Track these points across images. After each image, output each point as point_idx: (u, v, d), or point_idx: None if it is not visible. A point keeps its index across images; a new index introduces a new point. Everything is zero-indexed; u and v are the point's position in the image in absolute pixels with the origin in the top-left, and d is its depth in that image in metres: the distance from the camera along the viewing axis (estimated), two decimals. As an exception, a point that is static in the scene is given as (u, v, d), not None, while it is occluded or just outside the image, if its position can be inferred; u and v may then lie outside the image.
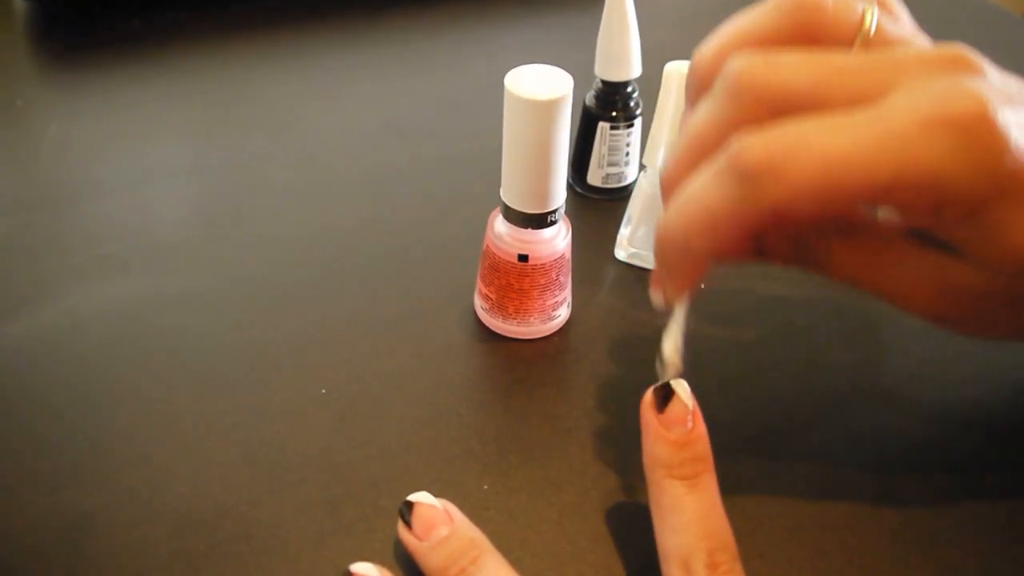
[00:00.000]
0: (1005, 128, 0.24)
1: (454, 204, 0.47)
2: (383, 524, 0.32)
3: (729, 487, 0.33)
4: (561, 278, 0.38)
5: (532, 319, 0.38)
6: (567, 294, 0.39)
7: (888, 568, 0.31)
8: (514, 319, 0.38)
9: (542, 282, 0.37)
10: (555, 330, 0.39)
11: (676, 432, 0.29)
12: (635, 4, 0.42)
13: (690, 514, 0.28)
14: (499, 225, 0.37)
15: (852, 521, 0.33)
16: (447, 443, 0.35)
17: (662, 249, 0.29)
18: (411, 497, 0.31)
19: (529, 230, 0.36)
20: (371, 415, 0.36)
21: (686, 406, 0.29)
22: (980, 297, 0.28)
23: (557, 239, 0.37)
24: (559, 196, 0.36)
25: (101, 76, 0.57)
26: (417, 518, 0.30)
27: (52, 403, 0.36)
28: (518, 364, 0.38)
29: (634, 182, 0.47)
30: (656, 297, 0.31)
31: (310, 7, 0.65)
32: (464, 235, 0.44)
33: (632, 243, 0.44)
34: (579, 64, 0.49)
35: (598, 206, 0.47)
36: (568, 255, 0.38)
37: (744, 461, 0.35)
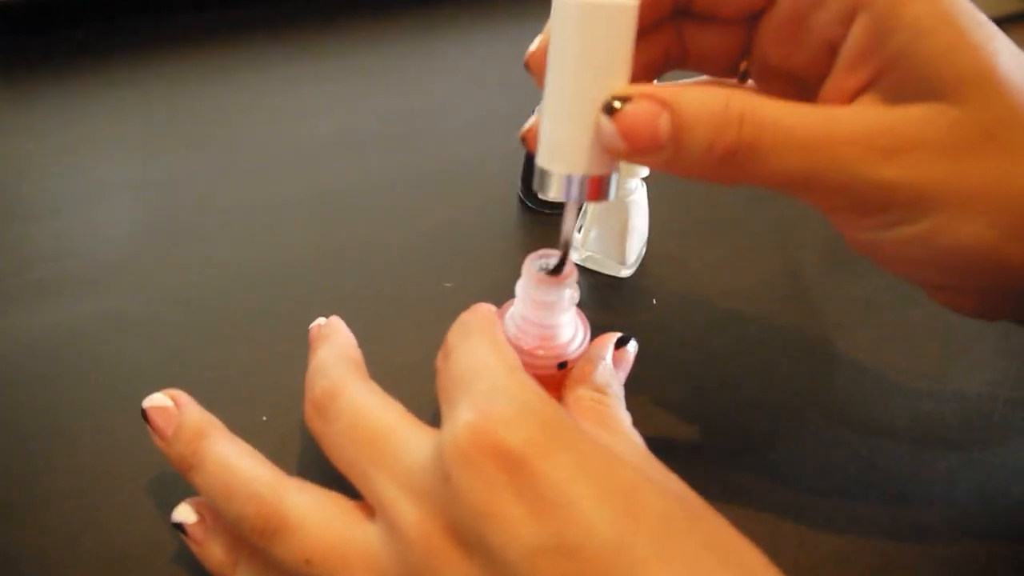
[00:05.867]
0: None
1: (405, 221, 0.47)
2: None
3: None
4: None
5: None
6: None
7: (841, 586, 0.31)
8: None
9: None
10: None
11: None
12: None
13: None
14: (513, 332, 0.32)
15: (803, 539, 0.32)
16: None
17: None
18: (143, 403, 0.30)
19: (546, 306, 0.31)
20: (312, 443, 0.35)
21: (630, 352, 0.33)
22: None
23: (580, 331, 0.33)
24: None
25: (41, 89, 0.56)
26: (152, 423, 0.29)
27: (-21, 435, 0.35)
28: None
29: (585, 197, 0.47)
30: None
31: (259, 20, 0.64)
32: (416, 248, 0.44)
33: (586, 246, 0.43)
34: (530, 77, 0.49)
35: (550, 221, 0.47)
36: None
37: (695, 477, 0.34)
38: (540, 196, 0.27)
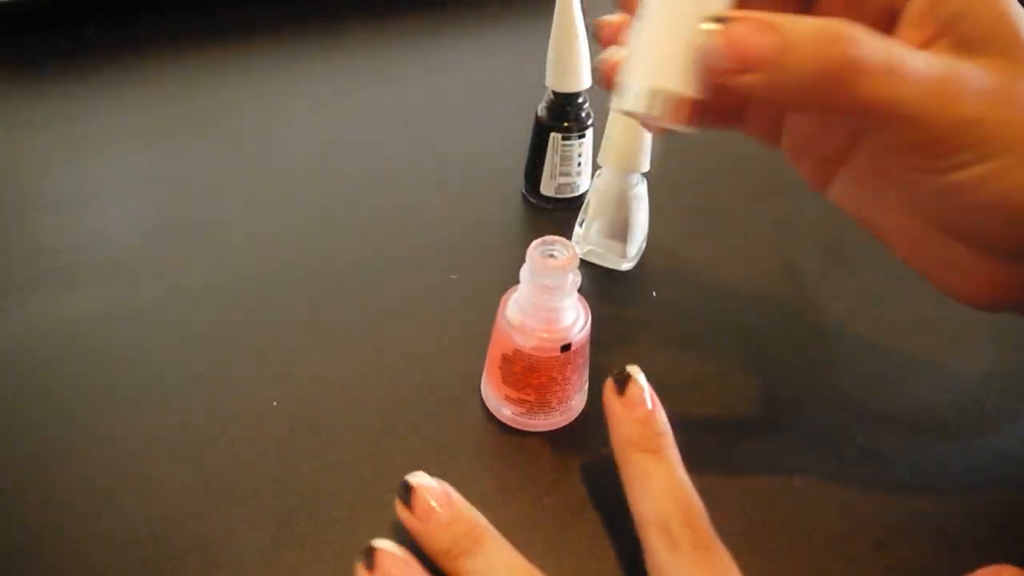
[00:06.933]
0: None
1: (412, 215, 0.48)
2: (336, 536, 0.32)
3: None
4: (588, 348, 0.36)
5: (573, 402, 0.36)
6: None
7: (839, 570, 0.32)
8: (556, 411, 0.35)
9: (580, 362, 0.35)
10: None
11: (638, 411, 0.31)
12: (583, 16, 0.43)
13: (660, 482, 0.30)
14: (518, 317, 0.33)
15: (803, 524, 0.33)
16: (399, 453, 0.35)
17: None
18: (410, 479, 0.31)
19: (549, 295, 0.32)
20: (323, 427, 0.36)
21: (643, 387, 0.31)
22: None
23: (583, 315, 0.34)
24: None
25: (52, 86, 0.57)
26: (418, 500, 0.30)
27: (-3, 421, 0.36)
28: (473, 375, 0.38)
29: (586, 192, 0.47)
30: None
31: (266, 19, 0.65)
32: (420, 244, 0.44)
33: (587, 239, 0.44)
34: (530, 76, 0.50)
35: (551, 216, 0.48)
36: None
37: (695, 466, 0.35)
38: (617, 108, 0.28)
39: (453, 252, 0.45)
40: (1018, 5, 0.27)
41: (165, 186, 0.49)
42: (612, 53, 0.30)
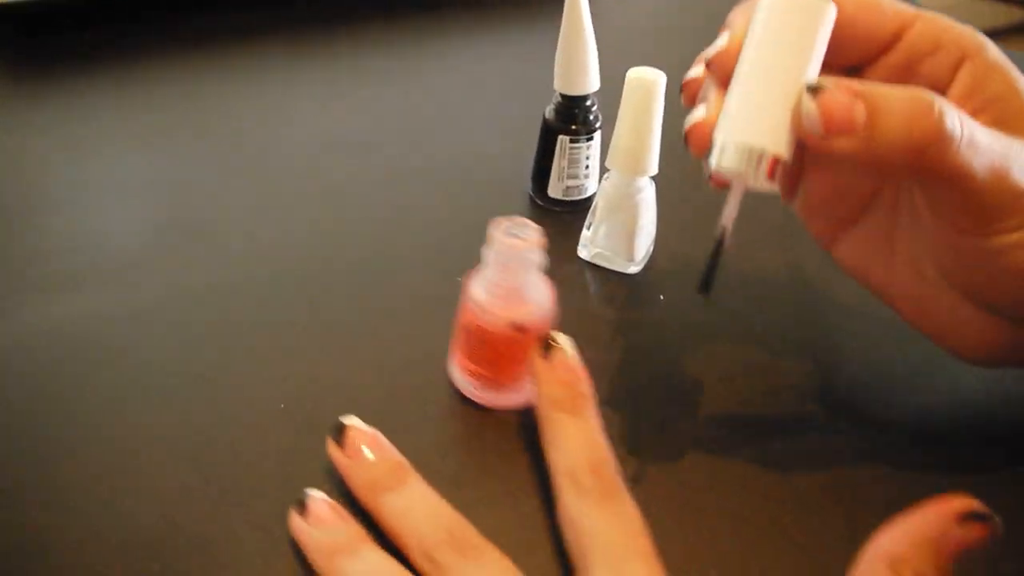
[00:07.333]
0: None
1: (418, 217, 0.48)
2: (339, 538, 0.32)
3: (684, 497, 0.33)
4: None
5: (530, 383, 0.35)
6: None
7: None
8: (510, 389, 0.36)
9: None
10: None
11: (561, 373, 0.33)
12: (592, 19, 0.43)
13: (573, 437, 0.31)
14: (481, 294, 0.35)
15: (808, 531, 0.33)
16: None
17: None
18: (343, 419, 0.33)
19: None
20: (324, 428, 0.36)
21: (566, 352, 0.33)
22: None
23: (546, 299, 0.35)
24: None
25: (54, 88, 0.57)
26: (348, 439, 0.32)
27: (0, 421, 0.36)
28: (477, 376, 0.38)
29: (594, 194, 0.47)
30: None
31: (265, 21, 0.65)
32: (427, 245, 0.44)
33: (595, 242, 0.44)
34: (538, 79, 0.50)
35: (558, 218, 0.48)
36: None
37: (699, 470, 0.35)
38: (715, 167, 0.29)
39: (458, 254, 0.45)
40: None
41: (166, 187, 0.49)
42: (698, 115, 0.31)
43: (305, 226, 0.47)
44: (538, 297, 0.35)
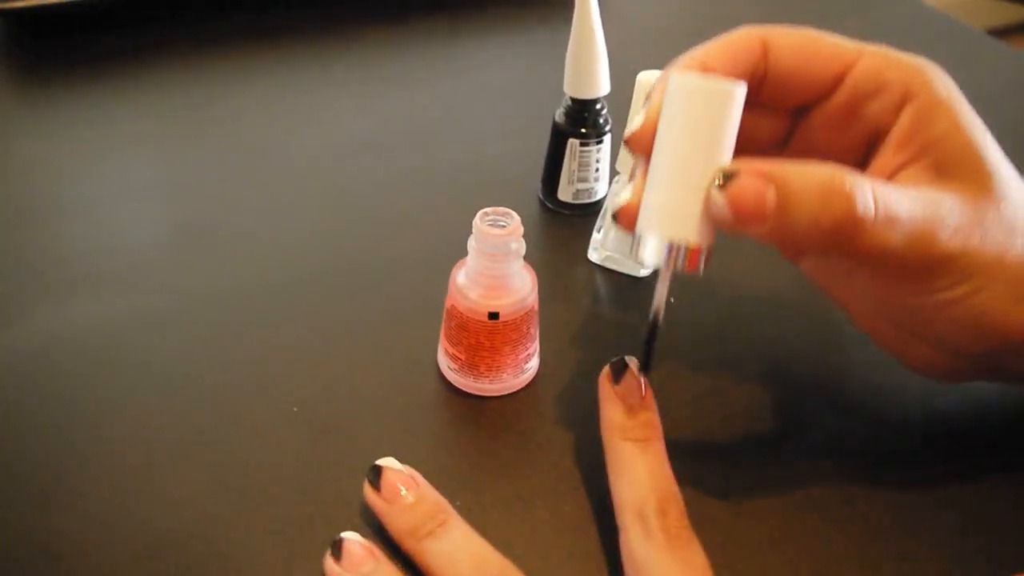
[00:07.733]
0: None
1: (426, 218, 0.48)
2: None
3: (698, 500, 0.33)
4: (532, 330, 0.37)
5: (504, 375, 0.37)
6: (536, 345, 0.38)
7: (857, 579, 0.32)
8: (486, 378, 0.37)
9: (513, 337, 0.36)
10: (525, 384, 0.38)
11: (629, 400, 0.32)
12: (602, 22, 0.43)
13: (642, 471, 0.30)
14: (462, 278, 0.36)
15: (820, 533, 0.33)
16: (419, 461, 0.35)
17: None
18: (379, 462, 0.32)
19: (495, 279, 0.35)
20: (343, 433, 0.36)
21: (638, 378, 0.32)
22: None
23: (524, 291, 0.36)
24: None
25: (72, 93, 0.57)
26: (385, 482, 0.32)
27: (16, 426, 0.36)
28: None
29: (603, 198, 0.47)
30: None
31: (281, 24, 0.65)
32: (437, 248, 0.44)
33: (605, 246, 0.44)
34: (549, 82, 0.50)
35: (568, 221, 0.48)
36: (536, 306, 0.37)
37: (712, 474, 0.35)
38: (637, 263, 0.29)
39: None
40: (987, 134, 0.30)
41: (176, 191, 0.49)
42: (623, 197, 0.31)
43: (318, 230, 0.47)
44: (518, 285, 0.36)
